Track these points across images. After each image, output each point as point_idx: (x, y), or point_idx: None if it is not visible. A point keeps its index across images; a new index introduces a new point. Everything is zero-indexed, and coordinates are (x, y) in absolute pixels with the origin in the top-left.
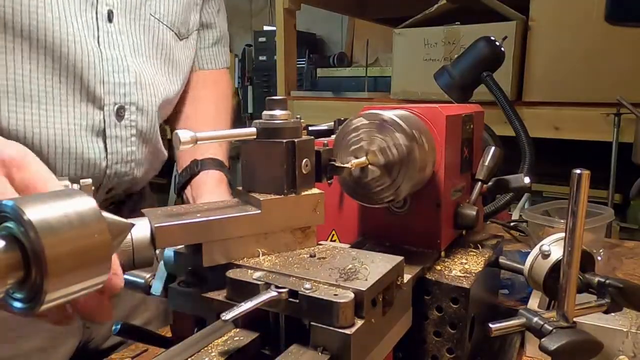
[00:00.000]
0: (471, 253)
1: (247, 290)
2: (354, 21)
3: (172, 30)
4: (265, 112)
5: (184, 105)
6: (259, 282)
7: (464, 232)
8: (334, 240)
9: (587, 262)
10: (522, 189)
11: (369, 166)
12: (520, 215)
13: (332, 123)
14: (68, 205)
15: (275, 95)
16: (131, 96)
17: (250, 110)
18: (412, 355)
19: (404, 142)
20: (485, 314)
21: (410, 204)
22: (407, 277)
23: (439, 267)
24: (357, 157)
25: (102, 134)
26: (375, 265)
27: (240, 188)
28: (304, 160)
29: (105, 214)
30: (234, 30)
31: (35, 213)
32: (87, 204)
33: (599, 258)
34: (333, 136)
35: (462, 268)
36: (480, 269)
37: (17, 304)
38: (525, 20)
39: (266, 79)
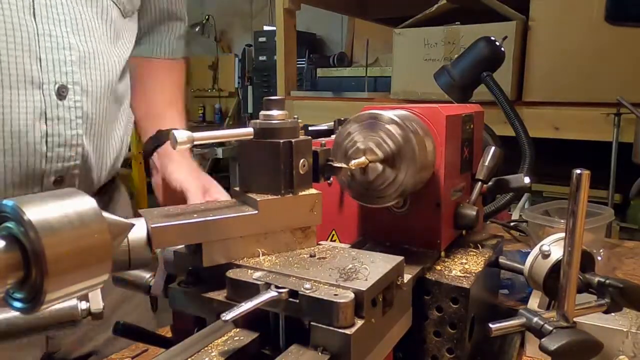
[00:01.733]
0: (471, 253)
1: (247, 290)
2: (354, 21)
3: (118, 7)
4: (262, 112)
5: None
6: (259, 282)
7: (464, 232)
8: (334, 240)
9: (587, 262)
10: (522, 189)
11: (370, 164)
12: (520, 215)
13: (332, 123)
14: (68, 205)
15: (276, 95)
16: (73, 75)
17: (250, 110)
18: (412, 355)
19: (397, 131)
20: (485, 314)
21: (410, 204)
22: (407, 277)
23: (439, 267)
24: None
25: (43, 115)
26: (375, 265)
27: (237, 188)
28: (301, 161)
29: (106, 214)
30: (234, 30)
31: (35, 213)
32: (87, 204)
33: (599, 258)
34: (332, 136)
35: (462, 268)
36: (480, 269)
37: (17, 304)
38: (525, 20)
39: (266, 79)
